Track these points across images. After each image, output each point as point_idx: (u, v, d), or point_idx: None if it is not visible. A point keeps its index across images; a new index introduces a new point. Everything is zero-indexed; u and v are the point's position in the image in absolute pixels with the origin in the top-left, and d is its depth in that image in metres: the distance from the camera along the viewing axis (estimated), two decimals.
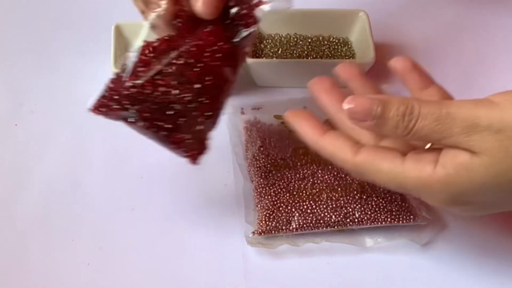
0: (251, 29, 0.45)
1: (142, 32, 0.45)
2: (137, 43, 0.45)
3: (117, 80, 0.45)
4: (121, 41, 0.66)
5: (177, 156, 0.61)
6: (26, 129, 0.63)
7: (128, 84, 0.44)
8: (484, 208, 0.45)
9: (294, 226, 0.54)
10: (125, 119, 0.46)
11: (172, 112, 0.45)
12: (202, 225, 0.57)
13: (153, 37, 0.45)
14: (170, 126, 0.46)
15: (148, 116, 0.45)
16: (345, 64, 0.51)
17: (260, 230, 0.54)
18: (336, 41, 0.70)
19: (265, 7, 0.45)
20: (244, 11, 0.45)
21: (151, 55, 0.44)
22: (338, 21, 0.69)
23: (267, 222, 0.54)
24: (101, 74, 0.66)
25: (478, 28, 0.74)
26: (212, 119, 0.47)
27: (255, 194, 0.57)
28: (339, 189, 0.56)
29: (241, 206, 0.57)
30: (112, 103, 0.45)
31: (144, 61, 0.44)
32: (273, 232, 0.54)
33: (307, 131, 0.47)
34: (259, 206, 0.56)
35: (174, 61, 0.44)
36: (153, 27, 0.46)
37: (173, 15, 0.45)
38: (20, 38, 0.71)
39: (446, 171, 0.41)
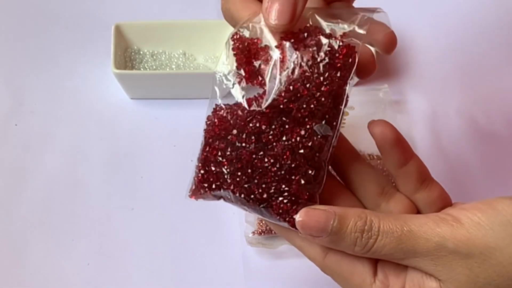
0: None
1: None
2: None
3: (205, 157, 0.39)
4: (121, 41, 0.66)
5: (176, 157, 0.62)
6: (26, 129, 0.63)
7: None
8: None
9: None
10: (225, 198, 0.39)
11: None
12: (202, 225, 0.57)
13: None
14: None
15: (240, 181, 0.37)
16: (380, 124, 0.40)
17: (260, 230, 0.54)
18: None
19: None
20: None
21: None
22: None
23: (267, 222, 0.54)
24: (101, 74, 0.67)
25: (478, 28, 0.74)
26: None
27: None
28: None
29: None
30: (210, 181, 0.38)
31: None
32: (273, 232, 0.54)
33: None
34: None
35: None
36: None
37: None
38: (20, 38, 0.71)
39: None
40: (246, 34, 0.38)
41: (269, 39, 0.37)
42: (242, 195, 0.37)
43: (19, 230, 0.56)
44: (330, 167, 0.41)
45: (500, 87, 0.69)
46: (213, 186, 0.38)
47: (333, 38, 0.37)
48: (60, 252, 0.55)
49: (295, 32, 0.37)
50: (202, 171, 0.39)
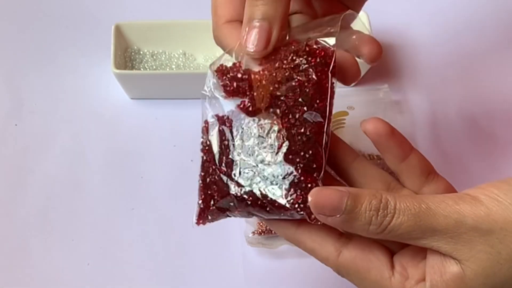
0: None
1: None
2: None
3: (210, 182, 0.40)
4: (121, 41, 0.66)
5: (176, 157, 0.62)
6: (26, 129, 0.63)
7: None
8: None
9: None
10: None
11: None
12: (202, 225, 0.57)
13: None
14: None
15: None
16: (372, 120, 0.40)
17: (260, 230, 0.54)
18: None
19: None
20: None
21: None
22: None
23: None
24: (101, 74, 0.67)
25: (479, 28, 0.74)
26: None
27: None
28: None
29: None
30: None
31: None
32: (273, 232, 0.54)
33: (281, 223, 0.39)
34: None
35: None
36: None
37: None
38: (20, 38, 0.71)
39: None
40: (231, 62, 0.40)
41: (250, 63, 0.40)
42: (245, 196, 0.38)
43: (19, 230, 0.56)
44: (332, 171, 0.41)
45: (500, 87, 0.69)
46: (216, 197, 0.39)
47: (309, 42, 0.39)
48: (60, 252, 0.55)
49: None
50: (203, 191, 0.40)
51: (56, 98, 0.66)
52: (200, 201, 0.40)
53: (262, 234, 0.54)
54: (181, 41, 0.67)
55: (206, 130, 0.40)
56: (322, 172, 0.38)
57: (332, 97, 0.39)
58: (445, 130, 0.65)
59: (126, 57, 0.67)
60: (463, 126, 0.66)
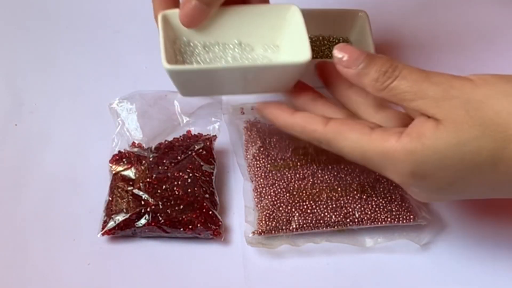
0: None
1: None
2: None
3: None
4: (169, 32, 0.59)
5: None
6: (26, 129, 0.63)
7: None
8: (443, 189, 0.45)
9: (294, 226, 0.54)
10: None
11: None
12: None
13: None
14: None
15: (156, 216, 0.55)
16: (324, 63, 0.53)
17: (260, 230, 0.54)
18: (336, 41, 0.70)
19: None
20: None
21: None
22: (338, 21, 0.69)
23: (267, 222, 0.54)
24: (101, 74, 0.67)
25: (478, 28, 0.74)
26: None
27: (255, 194, 0.57)
28: (339, 189, 0.56)
29: (241, 206, 0.57)
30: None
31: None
32: (273, 232, 0.54)
33: (277, 113, 0.50)
34: (259, 206, 0.56)
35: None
36: None
37: None
38: (20, 38, 0.71)
39: (409, 138, 0.43)
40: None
41: None
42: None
43: (19, 230, 0.56)
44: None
45: None
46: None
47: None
48: (60, 252, 0.55)
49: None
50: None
51: (56, 98, 0.66)
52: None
53: (262, 234, 0.54)
54: None
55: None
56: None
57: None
58: None
59: None
60: None
